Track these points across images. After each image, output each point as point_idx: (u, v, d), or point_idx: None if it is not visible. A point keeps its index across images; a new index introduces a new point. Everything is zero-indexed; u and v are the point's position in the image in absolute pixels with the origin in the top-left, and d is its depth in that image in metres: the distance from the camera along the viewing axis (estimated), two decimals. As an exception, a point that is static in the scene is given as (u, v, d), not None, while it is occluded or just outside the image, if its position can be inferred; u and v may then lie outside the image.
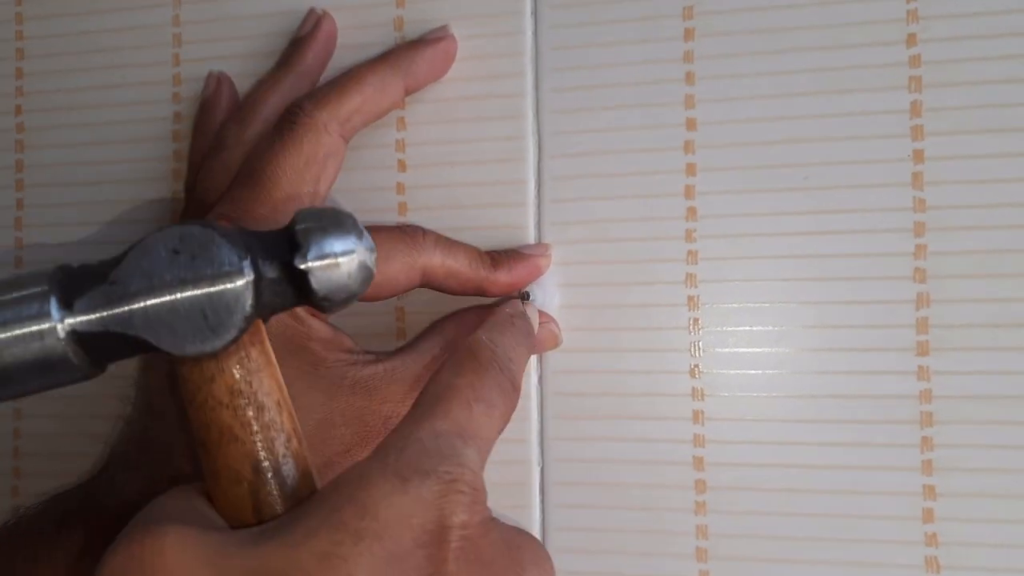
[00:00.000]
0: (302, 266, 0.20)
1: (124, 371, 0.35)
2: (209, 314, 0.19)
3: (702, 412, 0.31)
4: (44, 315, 0.19)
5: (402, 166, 0.34)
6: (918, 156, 0.30)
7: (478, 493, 0.20)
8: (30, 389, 0.20)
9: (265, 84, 0.33)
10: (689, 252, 0.31)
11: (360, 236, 0.21)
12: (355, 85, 0.31)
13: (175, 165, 0.36)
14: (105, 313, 0.19)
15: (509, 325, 0.27)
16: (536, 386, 0.32)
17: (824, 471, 0.30)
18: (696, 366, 0.31)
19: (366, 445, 0.28)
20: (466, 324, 0.31)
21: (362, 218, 0.33)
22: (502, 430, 0.24)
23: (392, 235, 0.29)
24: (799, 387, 0.31)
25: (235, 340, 0.20)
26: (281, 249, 0.20)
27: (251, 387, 0.21)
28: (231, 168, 0.31)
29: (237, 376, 0.21)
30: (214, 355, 0.20)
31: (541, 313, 0.31)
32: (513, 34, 0.33)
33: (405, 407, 0.28)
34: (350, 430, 0.28)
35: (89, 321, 0.19)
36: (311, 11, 0.34)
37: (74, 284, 0.20)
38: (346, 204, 0.34)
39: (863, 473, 0.30)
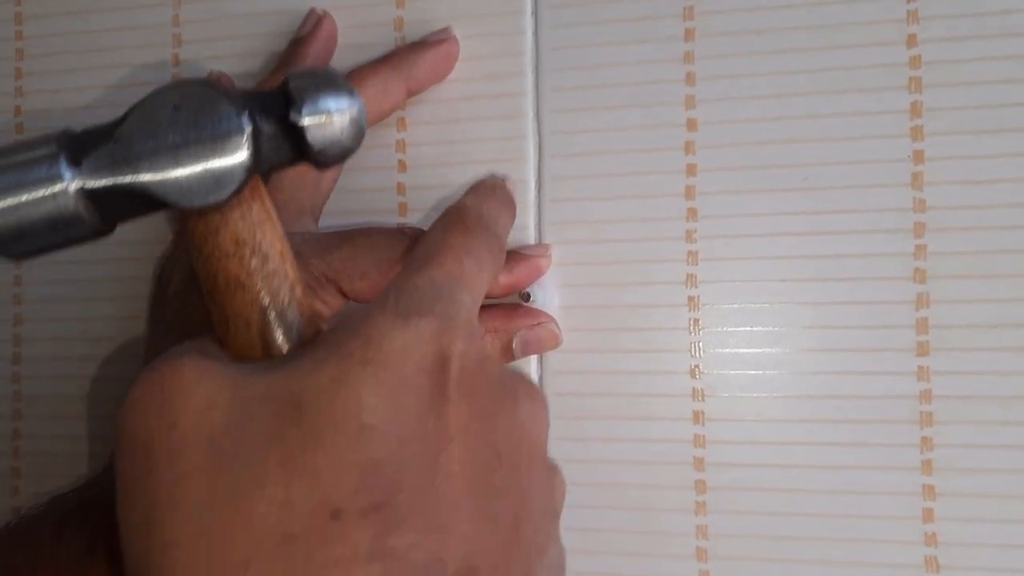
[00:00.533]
0: (298, 122, 0.21)
1: (126, 372, 0.35)
2: (212, 167, 0.20)
3: (702, 412, 0.31)
4: (55, 176, 0.20)
5: (402, 166, 0.34)
6: (918, 157, 0.30)
7: (474, 330, 0.22)
8: (43, 247, 0.21)
9: (265, 85, 0.33)
10: (689, 252, 0.31)
11: (351, 94, 0.22)
12: (356, 86, 0.31)
13: (175, 165, 0.35)
14: (113, 170, 0.20)
15: (492, 192, 0.29)
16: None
17: (824, 471, 0.30)
18: (696, 366, 0.31)
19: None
20: None
21: (363, 219, 0.33)
22: (489, 286, 0.26)
23: (393, 237, 0.29)
24: (799, 387, 0.31)
25: (237, 192, 0.21)
26: (278, 106, 0.21)
27: (254, 238, 0.22)
28: None
29: (241, 227, 0.22)
30: (218, 208, 0.21)
31: (540, 312, 0.31)
32: (513, 34, 0.33)
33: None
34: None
35: (98, 178, 0.20)
36: (311, 11, 0.34)
37: (81, 145, 0.20)
38: (347, 205, 0.34)
39: (863, 473, 0.30)
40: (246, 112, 0.20)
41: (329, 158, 0.22)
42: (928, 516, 0.30)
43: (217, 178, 0.20)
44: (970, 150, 0.30)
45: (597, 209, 0.32)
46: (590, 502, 0.32)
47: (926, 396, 0.30)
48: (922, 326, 0.30)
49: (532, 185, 0.33)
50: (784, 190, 0.31)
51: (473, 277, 0.24)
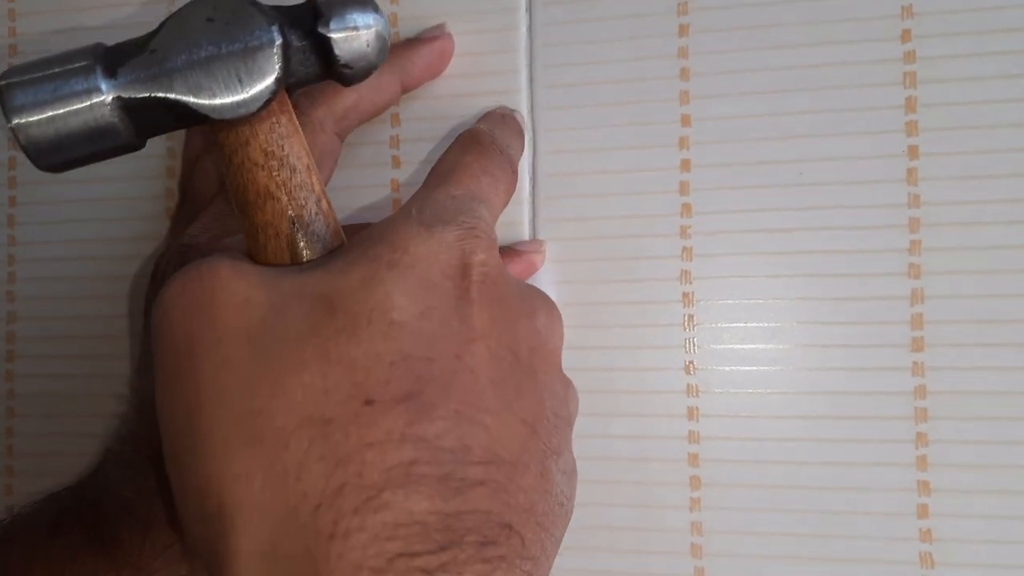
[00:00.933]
0: (326, 33, 0.22)
1: (120, 370, 0.35)
2: (243, 76, 0.21)
3: (697, 409, 0.31)
4: (92, 87, 0.21)
5: (396, 162, 0.34)
6: (913, 152, 0.30)
7: (493, 241, 0.23)
8: (78, 159, 0.22)
9: None
10: (684, 249, 0.31)
11: (377, 11, 0.23)
12: (350, 87, 0.30)
13: (169, 162, 0.35)
14: (148, 81, 0.21)
15: (503, 120, 0.31)
16: (531, 383, 0.32)
17: (819, 467, 0.30)
18: (691, 363, 0.31)
19: None
20: None
21: (356, 215, 0.33)
22: (504, 205, 0.27)
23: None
24: (794, 383, 0.31)
25: (267, 103, 0.21)
26: (306, 19, 0.22)
27: (283, 150, 0.22)
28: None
29: (270, 139, 0.22)
30: (248, 119, 0.22)
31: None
32: (507, 30, 0.33)
33: None
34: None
35: (134, 88, 0.21)
36: (305, 7, 0.34)
37: (116, 57, 0.21)
38: (340, 201, 0.34)
39: (858, 469, 0.30)
40: (276, 25, 0.21)
41: (355, 72, 0.23)
42: (923, 512, 0.29)
43: (248, 88, 0.21)
44: (965, 146, 0.30)
45: (591, 206, 0.32)
46: (585, 499, 0.32)
47: (920, 392, 0.30)
48: (917, 322, 0.30)
49: (526, 181, 0.33)
50: (778, 186, 0.31)
51: (490, 193, 0.25)
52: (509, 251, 0.31)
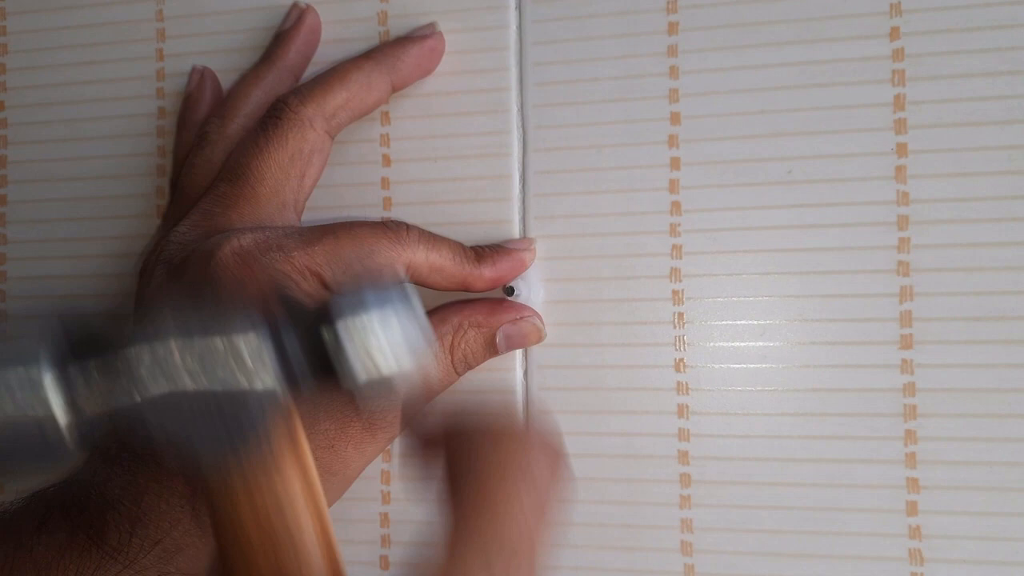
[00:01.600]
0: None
1: None
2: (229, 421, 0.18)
3: (687, 406, 0.31)
4: (48, 415, 0.18)
5: (387, 161, 0.34)
6: (901, 150, 0.30)
7: None
8: (19, 475, 0.19)
9: (247, 79, 0.33)
10: (674, 246, 0.31)
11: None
12: (340, 82, 0.31)
13: (159, 160, 0.35)
14: (111, 411, 0.18)
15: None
16: (521, 381, 0.32)
17: (809, 464, 0.30)
18: (681, 360, 0.31)
19: (348, 441, 0.28)
20: (445, 319, 0.31)
21: (347, 213, 0.33)
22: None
23: (376, 231, 0.29)
24: (784, 381, 0.31)
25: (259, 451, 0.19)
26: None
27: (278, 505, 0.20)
28: (214, 163, 0.31)
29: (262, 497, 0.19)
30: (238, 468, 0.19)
31: (524, 307, 0.31)
32: (497, 28, 0.33)
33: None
34: (332, 425, 0.28)
35: (93, 420, 0.18)
36: (294, 5, 0.34)
37: (75, 358, 0.18)
38: (331, 199, 0.34)
39: (847, 466, 0.30)
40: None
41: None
42: (912, 509, 0.30)
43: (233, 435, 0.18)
44: (953, 143, 0.30)
45: (581, 203, 0.32)
46: (576, 496, 0.32)
47: (910, 389, 0.30)
48: (906, 319, 0.30)
49: (516, 180, 0.33)
50: (768, 184, 0.31)
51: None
52: (499, 249, 0.31)
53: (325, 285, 0.28)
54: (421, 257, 0.29)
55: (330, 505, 0.29)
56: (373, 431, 0.28)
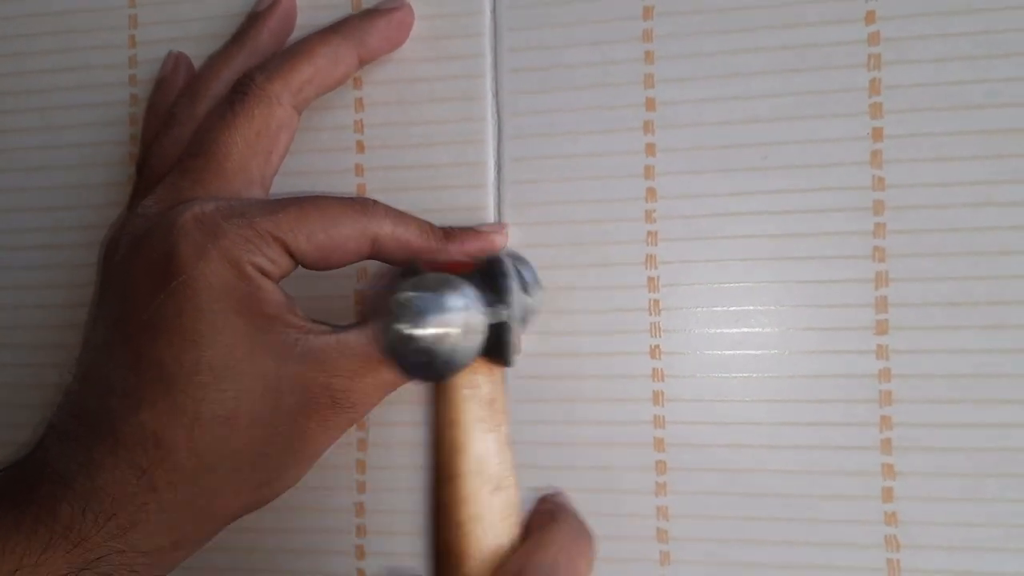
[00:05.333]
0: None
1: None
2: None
3: (662, 393, 0.31)
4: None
5: (360, 147, 0.33)
6: (877, 134, 0.30)
7: None
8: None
9: (218, 59, 0.32)
10: (649, 233, 0.31)
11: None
12: (307, 57, 0.30)
13: (131, 149, 0.35)
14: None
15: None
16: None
17: (784, 451, 0.30)
18: (657, 347, 0.31)
19: (310, 416, 0.28)
20: None
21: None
22: None
23: (343, 203, 0.29)
24: (759, 367, 0.30)
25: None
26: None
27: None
28: (182, 143, 0.31)
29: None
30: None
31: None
32: (472, 14, 0.33)
33: (354, 383, 0.28)
34: (296, 399, 0.27)
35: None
36: (269, -13, 0.33)
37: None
38: (305, 186, 0.33)
39: (823, 453, 0.30)
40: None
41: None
42: (888, 495, 0.29)
43: None
44: (929, 128, 0.30)
45: (556, 191, 0.32)
46: (550, 484, 0.31)
47: (885, 375, 0.30)
48: (881, 305, 0.30)
49: (491, 167, 0.32)
50: (743, 169, 0.31)
51: None
52: (470, 231, 0.31)
53: (288, 251, 0.27)
54: (387, 230, 0.29)
55: (291, 486, 0.29)
56: (338, 408, 0.28)
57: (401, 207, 0.32)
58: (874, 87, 0.30)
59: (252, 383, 0.27)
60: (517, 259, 0.27)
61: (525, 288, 0.26)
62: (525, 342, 0.32)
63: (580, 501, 0.31)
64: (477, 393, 0.22)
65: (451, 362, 0.21)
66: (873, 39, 0.30)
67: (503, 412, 0.23)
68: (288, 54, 0.30)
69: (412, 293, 0.21)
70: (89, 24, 0.35)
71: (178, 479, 0.26)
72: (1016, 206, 0.29)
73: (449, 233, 0.30)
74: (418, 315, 0.21)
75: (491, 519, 0.22)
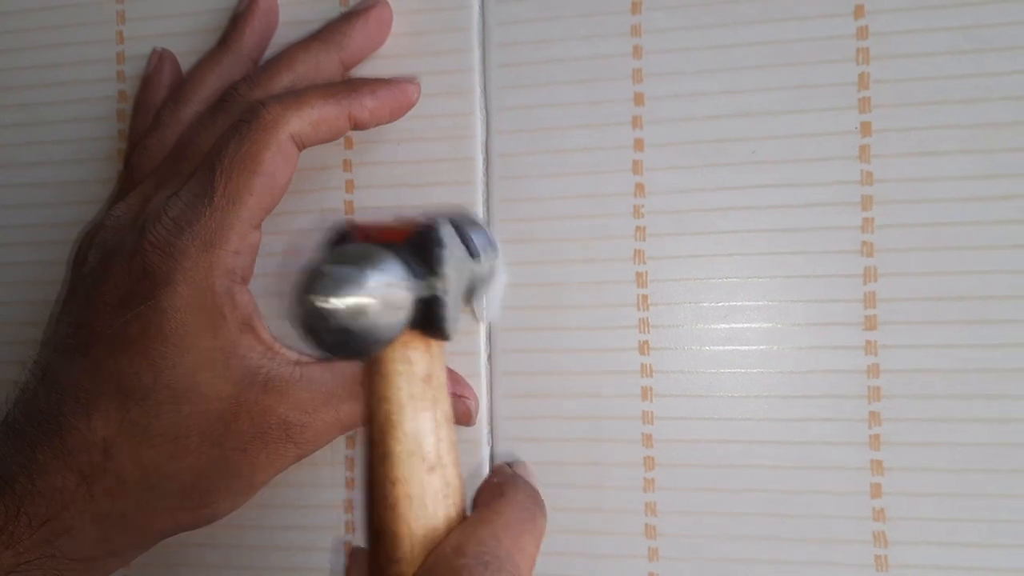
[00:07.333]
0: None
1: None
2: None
3: (651, 389, 0.31)
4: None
5: (349, 143, 0.33)
6: (865, 129, 0.30)
7: None
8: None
9: (203, 64, 0.32)
10: (637, 228, 0.31)
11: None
12: (287, 65, 0.30)
13: (120, 145, 0.35)
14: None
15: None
16: (485, 365, 0.32)
17: (773, 446, 0.30)
18: (645, 342, 0.31)
19: (263, 447, 0.28)
20: None
21: (309, 197, 0.33)
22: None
23: (253, 150, 0.28)
24: (748, 362, 0.30)
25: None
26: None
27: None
28: (166, 147, 0.31)
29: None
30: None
31: (461, 385, 0.31)
32: (459, 9, 0.32)
33: (311, 419, 0.28)
34: (249, 426, 0.27)
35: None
36: (250, -15, 0.33)
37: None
38: (293, 185, 0.33)
39: (811, 448, 0.30)
40: None
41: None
42: (876, 491, 0.29)
43: None
44: (917, 122, 0.29)
45: (545, 186, 0.32)
46: (540, 480, 0.31)
47: (874, 370, 0.29)
48: (870, 299, 0.30)
49: (480, 162, 0.32)
50: (731, 164, 0.30)
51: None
52: (375, 79, 0.31)
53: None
54: (296, 125, 0.28)
55: (228, 513, 0.29)
56: (290, 443, 0.28)
57: (389, 203, 0.32)
58: (863, 81, 0.30)
59: (208, 405, 0.27)
60: (467, 222, 0.25)
61: (473, 254, 0.24)
62: (514, 338, 0.32)
63: (568, 497, 0.31)
64: (411, 369, 0.21)
65: (370, 339, 0.20)
66: (862, 33, 0.30)
67: (443, 389, 0.22)
68: (270, 64, 0.31)
69: (330, 266, 0.20)
70: (77, 19, 0.35)
71: (118, 491, 0.26)
72: (1004, 200, 0.29)
73: (352, 83, 0.30)
74: (334, 289, 0.19)
75: (427, 499, 0.21)
